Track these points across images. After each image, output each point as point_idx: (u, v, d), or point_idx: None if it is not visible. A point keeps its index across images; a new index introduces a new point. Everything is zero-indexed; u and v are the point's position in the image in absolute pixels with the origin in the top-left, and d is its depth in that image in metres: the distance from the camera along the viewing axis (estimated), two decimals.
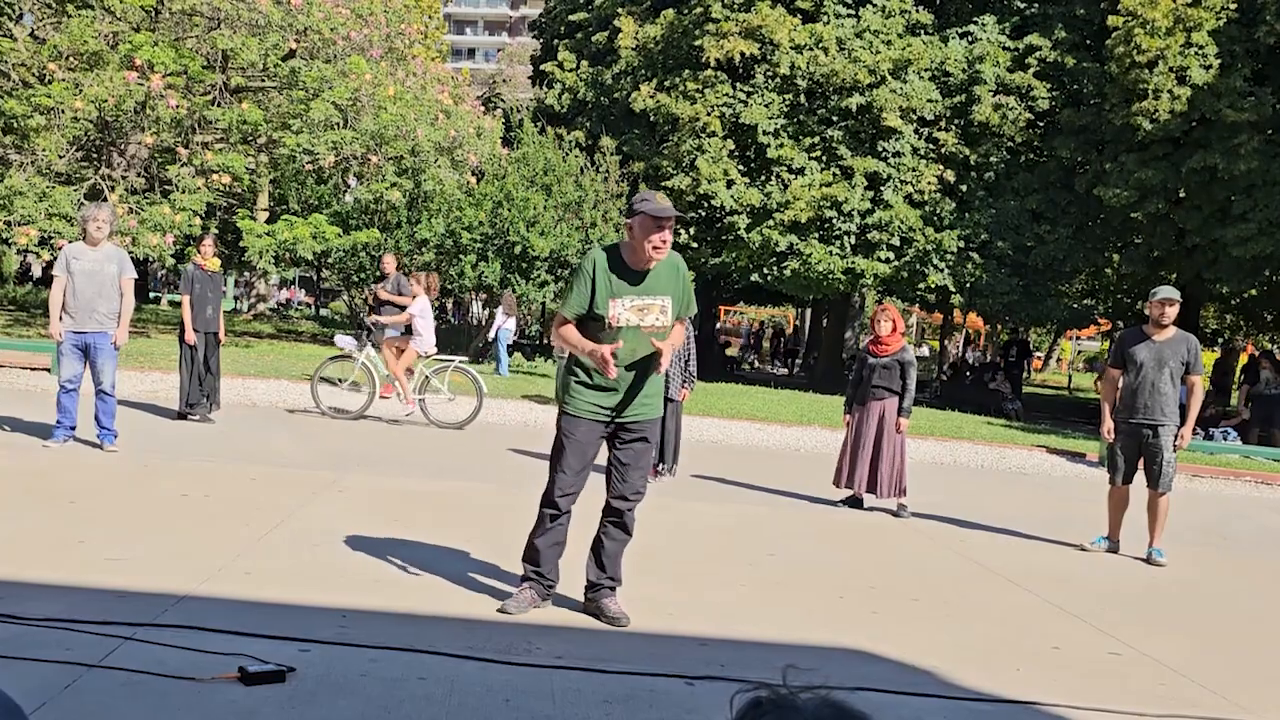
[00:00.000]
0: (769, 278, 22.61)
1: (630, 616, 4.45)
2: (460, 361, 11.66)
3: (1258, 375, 17.20)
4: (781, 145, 22.20)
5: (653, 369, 4.47)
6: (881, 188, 21.95)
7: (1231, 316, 28.02)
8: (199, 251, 10.00)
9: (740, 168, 22.51)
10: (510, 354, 19.46)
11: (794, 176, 22.17)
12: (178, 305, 18.22)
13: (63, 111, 14.66)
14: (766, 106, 22.22)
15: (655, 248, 4.26)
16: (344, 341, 11.93)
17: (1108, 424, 7.21)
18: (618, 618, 4.42)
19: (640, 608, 4.68)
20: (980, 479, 11.03)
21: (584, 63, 26.04)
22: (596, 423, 4.43)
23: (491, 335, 17.97)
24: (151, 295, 32.76)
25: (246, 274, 33.00)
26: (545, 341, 24.36)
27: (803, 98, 22.36)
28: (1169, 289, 7.06)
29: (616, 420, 4.44)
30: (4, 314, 20.37)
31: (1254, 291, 21.64)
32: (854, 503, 8.17)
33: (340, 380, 11.41)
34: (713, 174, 21.79)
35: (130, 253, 11.31)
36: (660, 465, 8.50)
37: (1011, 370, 23.69)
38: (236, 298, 37.16)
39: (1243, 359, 33.37)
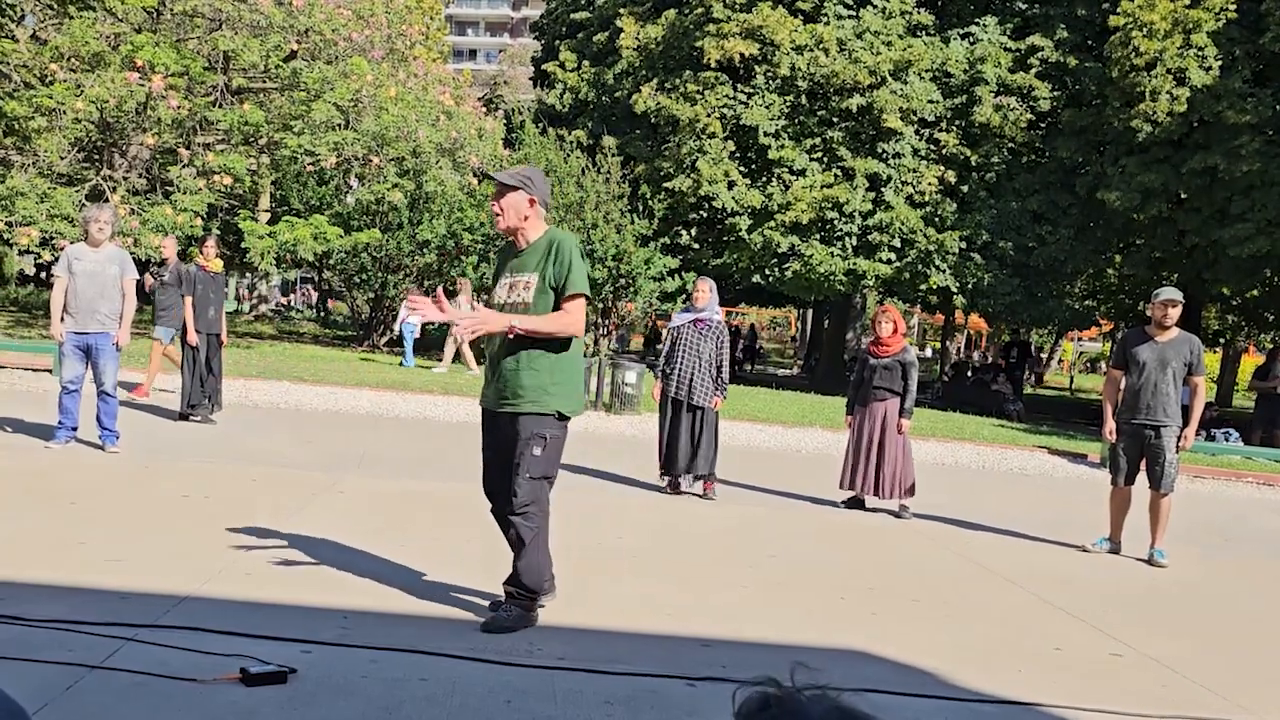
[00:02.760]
0: (770, 279, 22.61)
1: (620, 617, 4.44)
2: None
3: (1267, 372, 17.13)
4: (782, 146, 22.19)
5: (521, 352, 4.16)
6: (882, 189, 21.95)
7: (1233, 317, 28.00)
8: (201, 253, 10.01)
9: (741, 169, 22.50)
10: None
11: (795, 178, 22.16)
12: None
13: (64, 112, 14.67)
14: (767, 108, 22.22)
15: (493, 214, 4.30)
16: None
17: (1110, 425, 7.21)
18: (487, 623, 4.22)
19: (641, 609, 4.69)
20: (982, 480, 11.02)
21: (585, 63, 26.04)
22: (486, 410, 4.36)
23: (396, 330, 17.95)
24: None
25: (249, 276, 32.98)
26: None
27: (803, 99, 22.35)
28: (1171, 290, 7.05)
29: (494, 410, 4.27)
30: (5, 315, 20.38)
31: (1255, 292, 21.62)
32: (856, 504, 8.17)
33: None
34: (714, 175, 21.79)
35: (132, 254, 11.30)
36: (697, 476, 8.02)
37: (1013, 371, 23.69)
38: (239, 298, 37.16)
39: (1245, 360, 33.34)
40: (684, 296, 21.65)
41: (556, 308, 4.18)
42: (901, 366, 7.98)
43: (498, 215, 4.25)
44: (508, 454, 4.23)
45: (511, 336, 4.12)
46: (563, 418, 4.22)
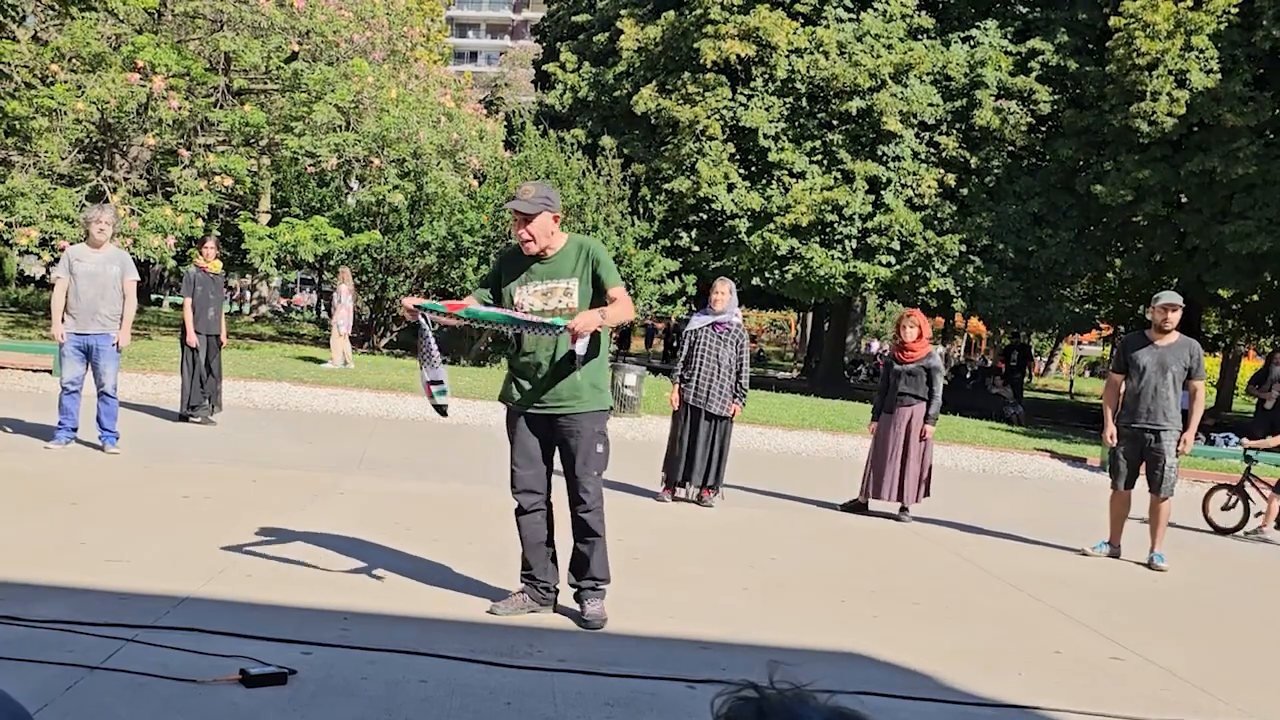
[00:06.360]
0: (770, 281, 22.60)
1: (620, 619, 4.44)
2: None
3: (1264, 376, 17.11)
4: (782, 149, 22.19)
5: (566, 356, 4.28)
6: (882, 192, 21.95)
7: (1233, 321, 28.01)
8: (201, 253, 10.01)
9: (741, 171, 22.50)
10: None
11: (795, 180, 22.16)
12: (179, 307, 18.20)
13: (65, 113, 14.67)
14: (767, 110, 22.23)
15: (522, 240, 4.36)
16: None
17: (1110, 429, 7.21)
18: (590, 619, 4.40)
19: (641, 610, 4.68)
20: (981, 483, 11.02)
21: (586, 63, 26.05)
22: (523, 414, 4.43)
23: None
24: (153, 297, 32.76)
25: (249, 277, 32.92)
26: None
27: (803, 101, 22.35)
28: (1171, 294, 7.06)
29: (543, 413, 4.40)
30: (6, 316, 20.39)
31: (1255, 296, 21.62)
32: (856, 508, 8.14)
33: None
34: (713, 177, 21.79)
35: (132, 254, 11.31)
36: (701, 485, 7.80)
37: (1013, 375, 23.67)
38: (239, 299, 37.16)
39: (1244, 365, 33.32)
40: (684, 299, 21.66)
41: (599, 302, 4.37)
42: (927, 372, 7.91)
43: (528, 241, 4.33)
44: (550, 452, 4.49)
45: (597, 329, 4.25)
46: (609, 413, 4.55)
